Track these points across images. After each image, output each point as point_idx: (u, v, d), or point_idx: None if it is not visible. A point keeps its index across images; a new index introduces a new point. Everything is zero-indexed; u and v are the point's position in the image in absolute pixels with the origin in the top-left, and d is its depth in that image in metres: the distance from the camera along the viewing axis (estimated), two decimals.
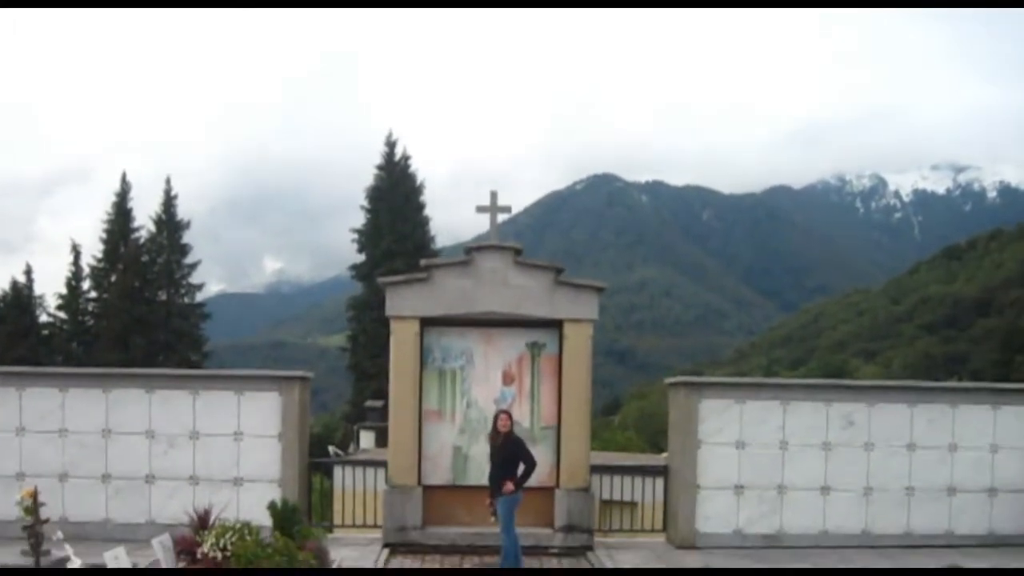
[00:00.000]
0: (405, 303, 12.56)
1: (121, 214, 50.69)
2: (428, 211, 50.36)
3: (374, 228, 48.92)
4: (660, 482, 13.55)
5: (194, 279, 52.52)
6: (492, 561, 11.30)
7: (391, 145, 50.24)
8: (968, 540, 12.68)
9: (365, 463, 15.93)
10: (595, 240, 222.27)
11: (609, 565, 11.49)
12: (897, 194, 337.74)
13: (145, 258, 50.64)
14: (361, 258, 49.52)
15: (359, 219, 49.95)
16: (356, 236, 49.72)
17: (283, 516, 9.52)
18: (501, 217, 12.95)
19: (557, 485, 12.55)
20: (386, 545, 12.27)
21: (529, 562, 11.30)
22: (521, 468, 10.69)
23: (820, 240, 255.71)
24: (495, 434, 10.87)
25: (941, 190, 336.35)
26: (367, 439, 32.91)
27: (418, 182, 50.46)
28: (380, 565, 11.45)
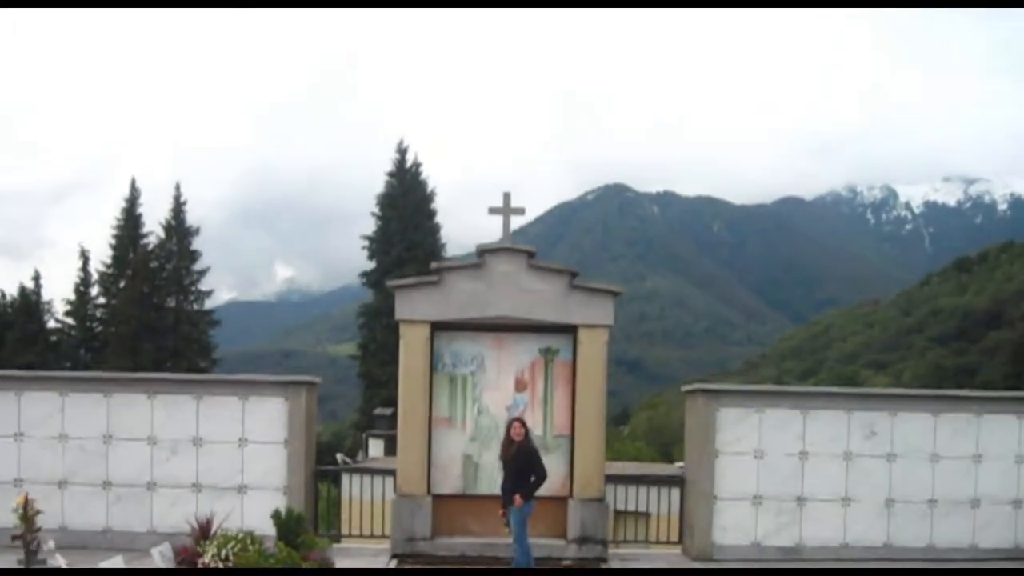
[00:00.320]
0: (415, 307, 12.24)
1: (130, 220, 50.71)
2: (439, 219, 50.35)
3: (385, 235, 48.77)
4: (675, 492, 13.21)
5: (205, 287, 52.58)
6: None
7: (402, 152, 50.20)
8: (993, 554, 12.33)
9: (373, 471, 15.60)
10: (606, 250, 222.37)
11: None
12: (908, 206, 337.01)
13: (154, 264, 50.71)
14: (372, 265, 49.32)
15: (370, 227, 49.84)
16: (367, 243, 49.53)
17: (287, 525, 9.30)
18: (514, 219, 12.60)
19: (570, 495, 12.20)
20: (394, 556, 11.95)
21: None
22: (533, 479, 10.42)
23: (830, 251, 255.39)
24: (508, 443, 10.60)
25: (952, 202, 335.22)
26: (376, 447, 32.75)
27: (429, 189, 50.48)
28: None
